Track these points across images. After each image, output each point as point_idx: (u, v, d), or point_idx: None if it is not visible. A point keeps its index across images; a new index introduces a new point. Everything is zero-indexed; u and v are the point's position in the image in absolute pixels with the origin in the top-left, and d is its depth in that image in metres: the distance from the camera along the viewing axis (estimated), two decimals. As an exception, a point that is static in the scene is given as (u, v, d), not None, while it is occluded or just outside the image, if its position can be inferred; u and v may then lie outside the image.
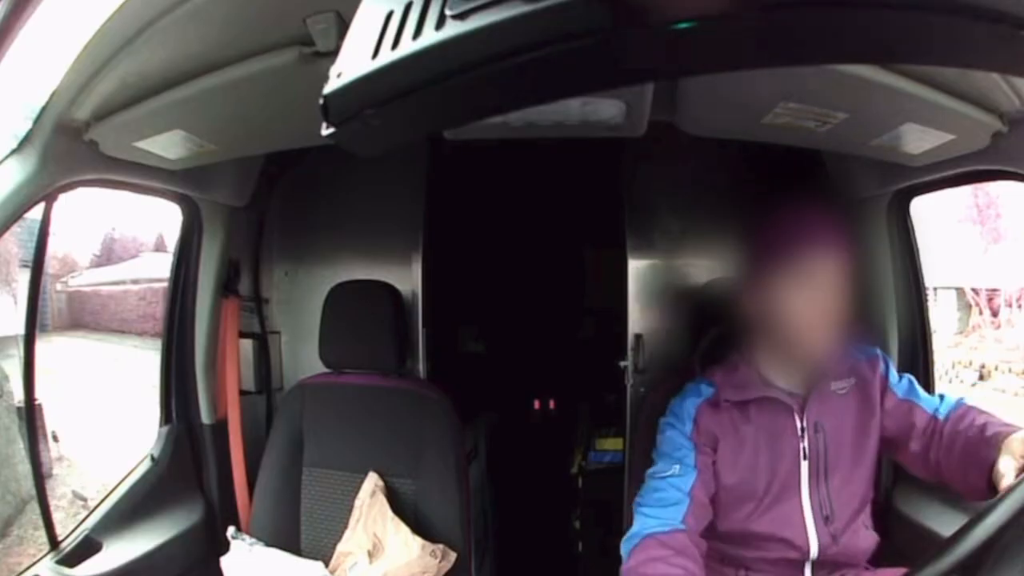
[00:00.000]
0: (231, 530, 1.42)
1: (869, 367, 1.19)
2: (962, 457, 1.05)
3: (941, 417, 1.12)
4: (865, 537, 1.18)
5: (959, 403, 1.14)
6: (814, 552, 1.14)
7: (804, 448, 1.14)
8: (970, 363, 4.22)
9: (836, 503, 1.14)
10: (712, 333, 1.30)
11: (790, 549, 1.14)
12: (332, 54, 0.46)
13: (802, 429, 1.14)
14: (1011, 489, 0.81)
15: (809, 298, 1.06)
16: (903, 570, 0.95)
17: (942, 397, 1.17)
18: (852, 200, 1.51)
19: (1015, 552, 0.78)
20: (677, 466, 1.13)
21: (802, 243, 1.08)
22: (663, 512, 1.09)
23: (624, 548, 1.09)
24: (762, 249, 1.13)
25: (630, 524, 1.44)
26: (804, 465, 1.14)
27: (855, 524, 1.16)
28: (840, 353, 1.14)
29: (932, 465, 1.11)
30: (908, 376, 1.20)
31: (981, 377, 4.18)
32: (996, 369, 4.16)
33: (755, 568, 1.17)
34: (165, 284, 1.64)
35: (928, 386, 1.49)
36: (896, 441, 1.16)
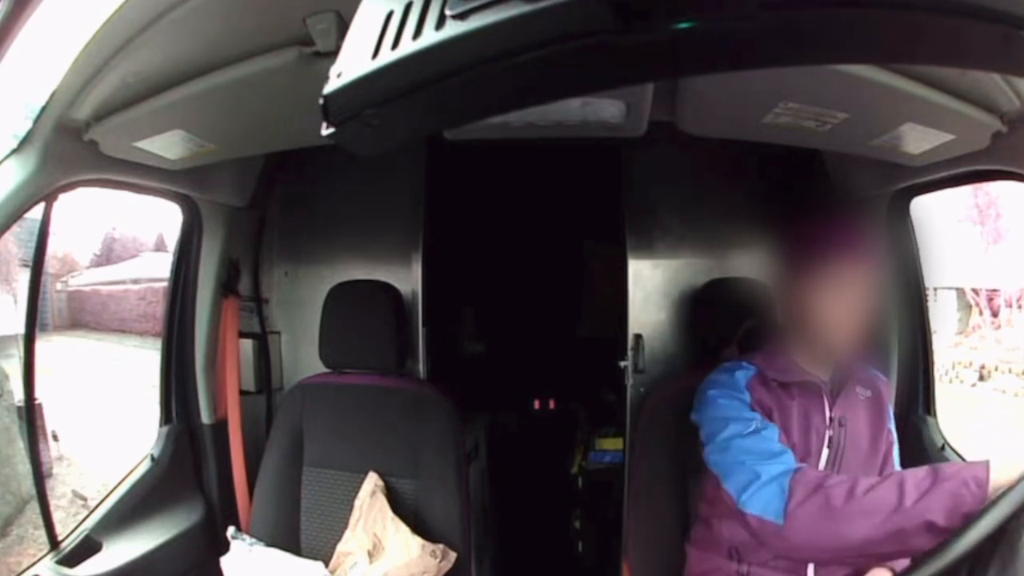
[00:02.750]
0: (231, 530, 1.42)
1: (884, 386, 1.27)
2: None
3: None
4: None
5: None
6: None
7: (830, 436, 1.18)
8: (970, 363, 4.22)
9: None
10: (747, 324, 1.33)
11: None
12: (332, 54, 0.46)
13: (830, 419, 1.18)
14: (1008, 490, 0.81)
15: (841, 297, 1.12)
16: (904, 564, 0.95)
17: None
18: (852, 200, 1.51)
19: (1013, 552, 0.78)
20: (755, 422, 1.12)
21: (837, 247, 1.14)
22: (780, 458, 1.06)
23: (764, 496, 1.02)
24: (798, 251, 1.19)
25: (630, 524, 1.45)
26: (825, 453, 1.17)
27: None
28: (865, 352, 1.21)
29: None
30: None
31: (981, 377, 4.19)
32: (996, 369, 4.16)
33: (759, 562, 1.17)
34: (165, 284, 1.64)
35: (928, 385, 1.50)
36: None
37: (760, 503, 1.03)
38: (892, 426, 1.26)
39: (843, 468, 1.17)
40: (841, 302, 1.12)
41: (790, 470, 1.03)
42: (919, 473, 0.94)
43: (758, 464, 1.06)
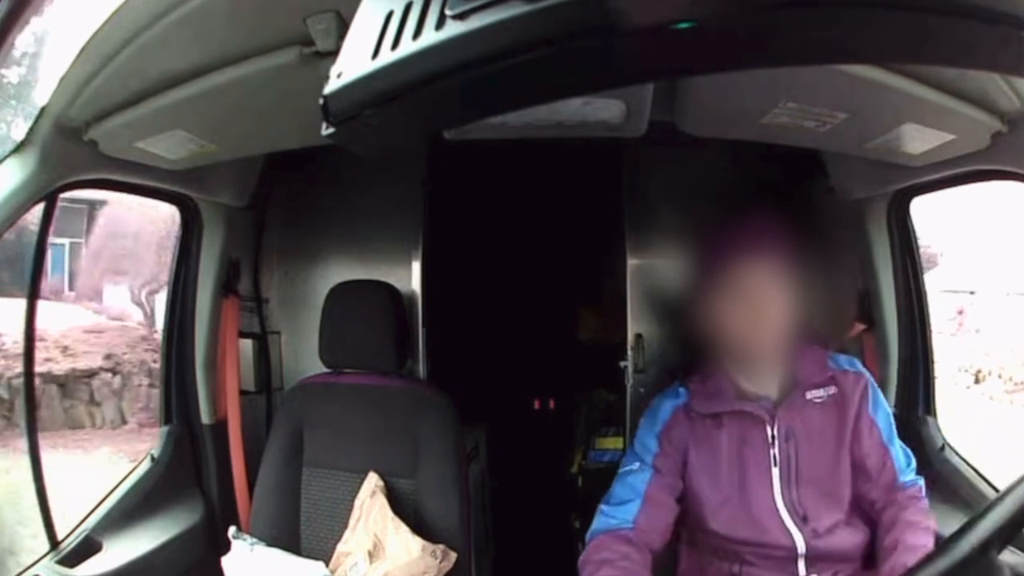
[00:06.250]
0: (232, 530, 1.42)
1: (853, 381, 1.20)
2: (889, 533, 1.12)
3: (900, 481, 1.17)
4: (852, 535, 1.18)
5: (915, 481, 1.18)
6: (801, 548, 1.15)
7: (775, 455, 1.15)
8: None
9: (810, 506, 1.15)
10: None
11: (777, 549, 1.15)
12: (332, 54, 0.46)
13: (773, 437, 1.16)
14: (1011, 489, 0.81)
15: (740, 306, 1.10)
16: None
17: (908, 460, 1.20)
18: (852, 200, 1.51)
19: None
20: (638, 463, 1.18)
21: (735, 253, 1.11)
22: (616, 511, 1.16)
23: (587, 542, 1.18)
24: (702, 261, 1.19)
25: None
26: (775, 472, 1.15)
27: (837, 524, 1.16)
28: (813, 361, 1.18)
29: (876, 512, 1.17)
30: (890, 416, 1.21)
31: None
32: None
33: (750, 561, 1.17)
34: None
35: (928, 386, 1.50)
36: (859, 473, 1.18)
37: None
38: (873, 413, 1.18)
39: (800, 481, 1.15)
40: (742, 304, 1.09)
41: (601, 530, 1.16)
42: None
43: (606, 505, 1.19)
